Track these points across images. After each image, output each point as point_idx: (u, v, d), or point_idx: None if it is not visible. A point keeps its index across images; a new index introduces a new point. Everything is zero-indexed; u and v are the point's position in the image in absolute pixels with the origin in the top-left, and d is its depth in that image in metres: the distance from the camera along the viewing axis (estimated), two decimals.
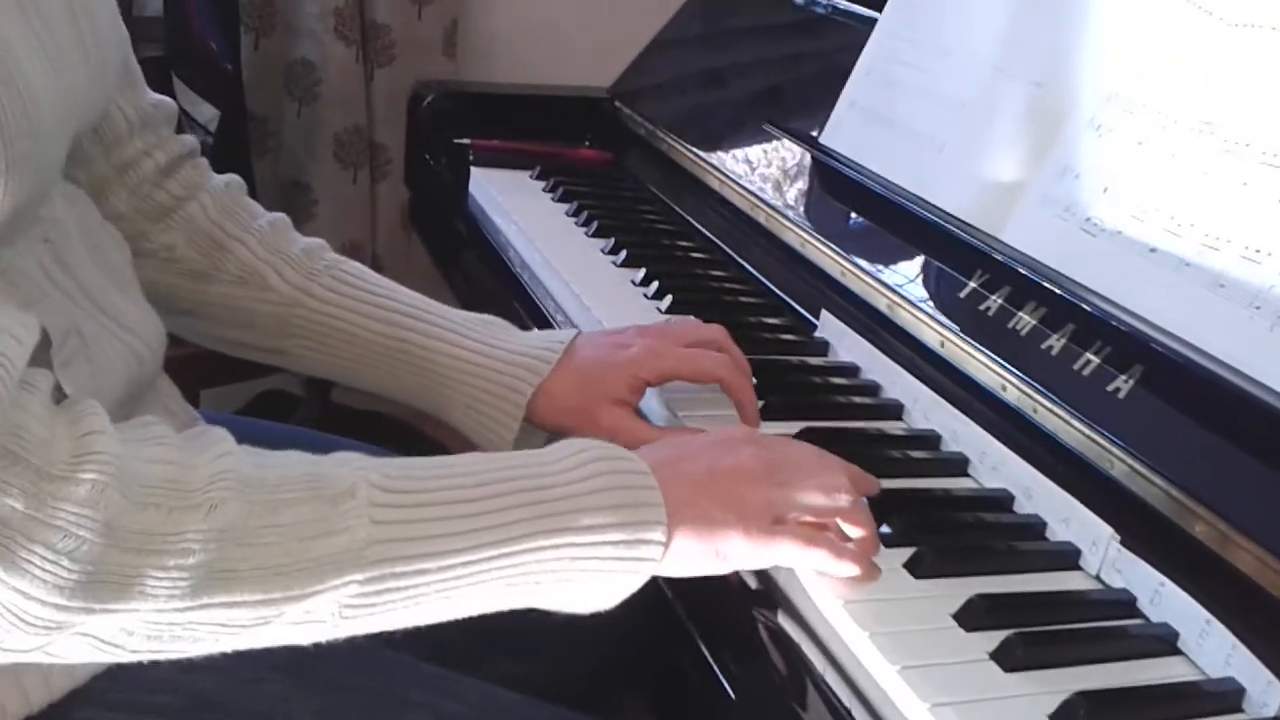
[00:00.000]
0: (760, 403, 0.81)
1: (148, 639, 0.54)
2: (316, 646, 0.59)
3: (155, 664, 0.61)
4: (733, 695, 0.67)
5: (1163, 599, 0.63)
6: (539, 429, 0.80)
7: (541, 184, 1.27)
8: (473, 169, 1.28)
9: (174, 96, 1.69)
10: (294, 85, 1.83)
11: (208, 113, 1.71)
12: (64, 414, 0.54)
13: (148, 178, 0.80)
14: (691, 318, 0.91)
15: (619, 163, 1.35)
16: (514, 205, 1.18)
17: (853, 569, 0.63)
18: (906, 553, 0.66)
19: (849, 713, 0.59)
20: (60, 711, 0.63)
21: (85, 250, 0.67)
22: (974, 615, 0.61)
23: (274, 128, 1.87)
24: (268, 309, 0.81)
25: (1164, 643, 0.62)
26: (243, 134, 1.78)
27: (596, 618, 0.64)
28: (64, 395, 0.58)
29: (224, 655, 0.59)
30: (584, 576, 0.61)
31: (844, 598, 0.62)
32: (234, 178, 0.85)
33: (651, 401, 0.82)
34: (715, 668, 0.68)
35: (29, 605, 0.51)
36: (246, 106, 1.79)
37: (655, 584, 0.64)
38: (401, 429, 1.84)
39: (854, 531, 0.65)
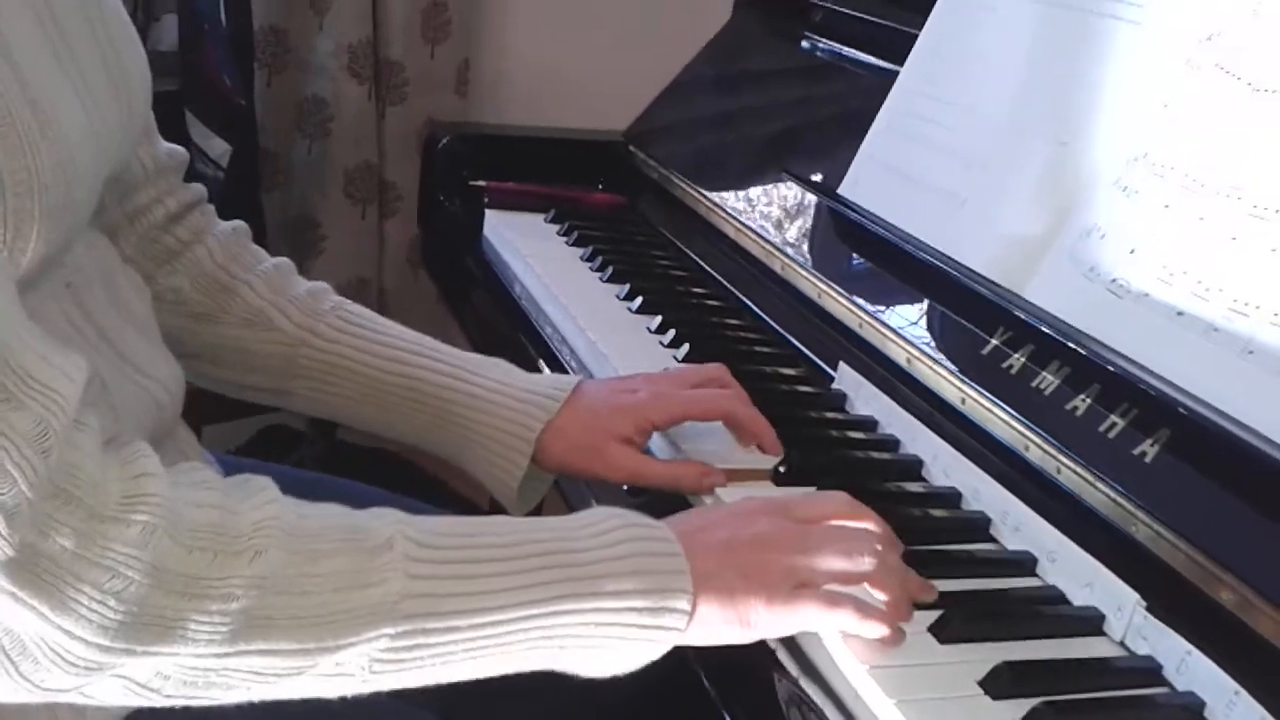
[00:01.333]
0: (778, 459, 0.80)
1: (183, 684, 0.55)
2: (332, 702, 0.59)
3: (168, 713, 0.60)
4: None
5: (1189, 667, 0.62)
6: (543, 471, 0.81)
7: (556, 227, 1.27)
8: (487, 211, 1.28)
9: (186, 131, 1.72)
10: (306, 121, 1.84)
11: (219, 147, 1.71)
12: (115, 455, 0.55)
13: (157, 223, 0.80)
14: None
15: (633, 207, 1.35)
16: (529, 249, 1.18)
17: (878, 629, 0.62)
18: (931, 616, 0.65)
19: None
20: None
21: (105, 295, 0.67)
22: (1001, 683, 0.61)
23: (284, 163, 1.88)
24: (273, 349, 0.82)
25: (1191, 712, 0.61)
26: (254, 169, 1.79)
27: (613, 678, 0.63)
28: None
29: (242, 708, 0.59)
30: (608, 642, 0.61)
31: (870, 662, 0.61)
32: (240, 224, 0.86)
33: (656, 439, 0.82)
34: None
35: (73, 645, 0.52)
36: (258, 142, 1.80)
37: (674, 653, 0.64)
38: (404, 466, 1.83)
39: (880, 595, 0.64)
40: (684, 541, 0.63)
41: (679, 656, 0.68)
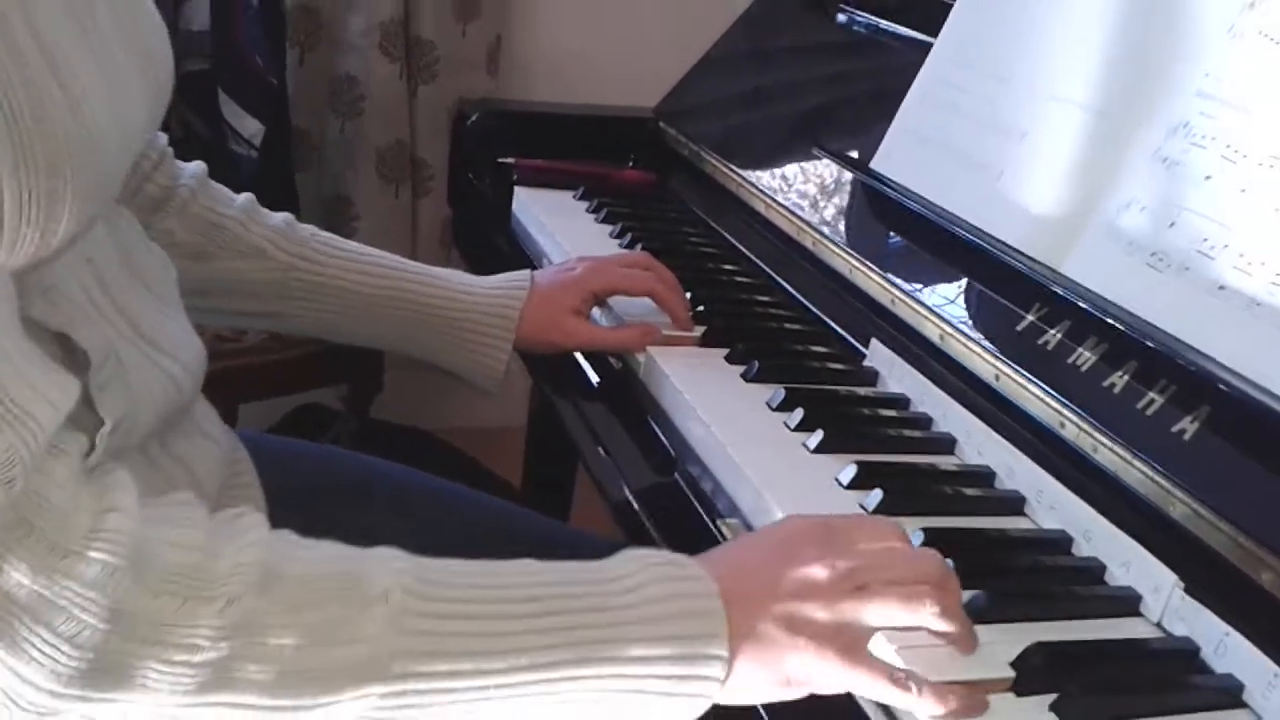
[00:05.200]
0: (817, 434, 0.79)
1: None
2: None
3: None
4: None
5: (1228, 650, 0.61)
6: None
7: (585, 205, 1.26)
8: (516, 188, 1.27)
9: (219, 110, 1.72)
10: (338, 100, 1.84)
11: (252, 126, 1.72)
12: (90, 485, 0.52)
13: (143, 174, 0.85)
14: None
15: (663, 184, 1.34)
16: (558, 226, 1.17)
17: (941, 708, 0.56)
18: (964, 596, 0.64)
19: None
20: None
21: (125, 271, 0.67)
22: (1033, 664, 0.59)
23: (317, 142, 1.88)
24: (267, 277, 0.89)
25: (1229, 695, 0.60)
26: (286, 148, 1.79)
27: None
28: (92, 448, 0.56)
29: None
30: (630, 708, 0.56)
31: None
32: (200, 164, 0.91)
33: (601, 318, 0.99)
34: None
35: (23, 689, 0.49)
36: (291, 120, 1.80)
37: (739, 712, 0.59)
38: (437, 444, 1.84)
39: (947, 640, 0.59)
40: (725, 587, 0.57)
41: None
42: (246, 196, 0.92)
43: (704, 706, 0.58)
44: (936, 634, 0.59)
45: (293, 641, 0.52)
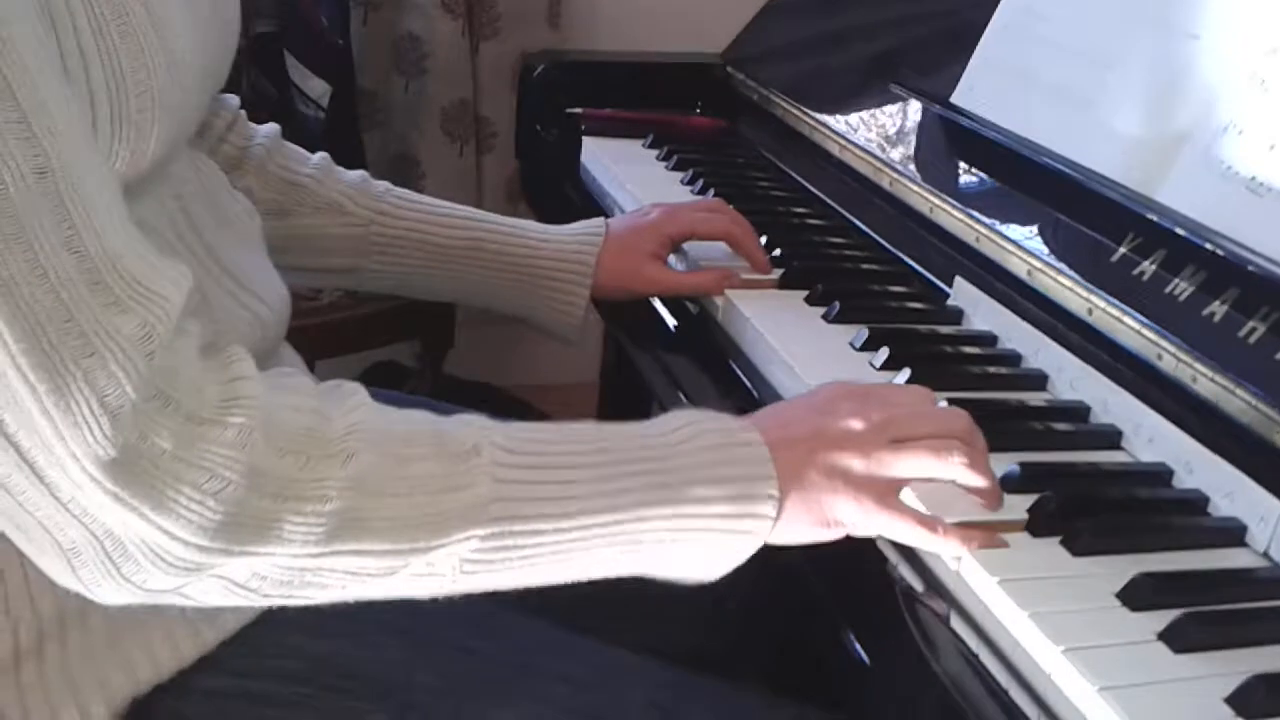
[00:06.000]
0: (903, 372, 0.78)
1: (279, 584, 0.55)
2: (439, 611, 0.60)
3: (279, 630, 0.62)
4: (871, 671, 0.65)
5: None
6: (591, 299, 0.94)
7: (655, 152, 1.25)
8: (584, 139, 1.26)
9: (286, 71, 1.73)
10: (402, 60, 1.85)
11: (319, 87, 1.73)
12: (213, 359, 0.55)
13: (218, 134, 0.87)
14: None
15: (732, 129, 1.32)
16: (628, 174, 1.16)
17: (964, 549, 0.61)
18: (1063, 529, 0.63)
19: (1006, 693, 0.57)
20: (187, 678, 0.64)
21: (211, 213, 0.69)
22: (1140, 594, 0.58)
23: (383, 102, 1.89)
24: (347, 232, 0.91)
25: None
26: (352, 109, 1.80)
27: (717, 592, 0.63)
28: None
29: (348, 621, 0.59)
30: (693, 546, 0.61)
31: (999, 575, 0.59)
32: (274, 125, 0.92)
33: (677, 264, 0.98)
34: (853, 646, 0.66)
35: (172, 545, 0.52)
36: (356, 81, 1.81)
37: (783, 558, 0.63)
38: (510, 401, 1.85)
39: (974, 492, 0.64)
40: (769, 439, 0.62)
41: (788, 570, 0.67)
42: (321, 155, 0.93)
43: (757, 544, 0.62)
44: (965, 487, 0.64)
45: (405, 490, 0.56)
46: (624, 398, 1.54)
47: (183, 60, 0.57)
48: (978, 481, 0.63)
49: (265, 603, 0.57)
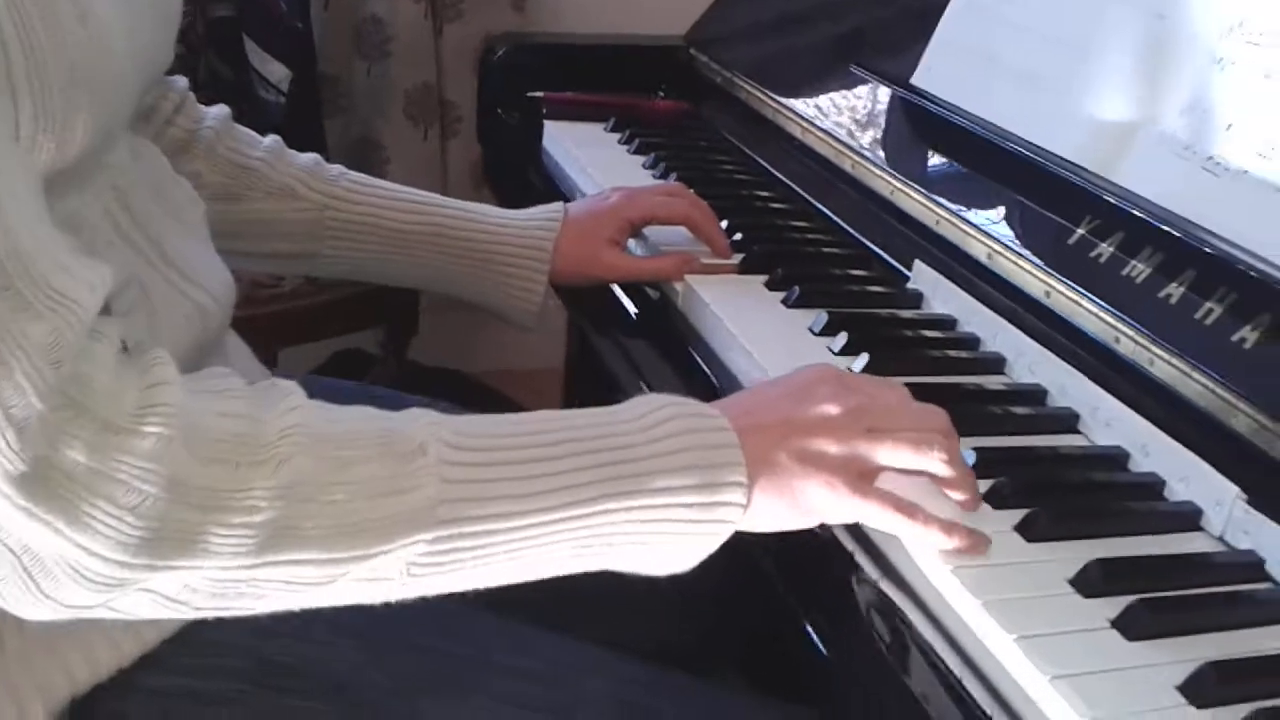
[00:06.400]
0: (862, 357, 0.78)
1: (212, 596, 0.53)
2: (390, 607, 0.58)
3: (225, 628, 0.60)
4: (831, 664, 0.64)
5: None
6: (551, 285, 0.92)
7: (616, 136, 1.24)
8: (546, 122, 1.25)
9: (245, 55, 1.70)
10: (364, 43, 1.82)
11: (279, 72, 1.70)
12: (132, 364, 0.53)
13: (165, 117, 0.85)
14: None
15: (696, 113, 1.31)
16: (589, 158, 1.15)
17: (948, 541, 0.59)
18: (1017, 515, 0.63)
19: (960, 683, 0.56)
20: (129, 677, 0.63)
21: (154, 201, 0.67)
22: (1093, 580, 0.58)
23: (345, 86, 1.87)
24: (300, 217, 0.88)
25: None
26: (314, 93, 1.78)
27: (686, 585, 0.61)
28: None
29: (296, 618, 0.58)
30: (659, 539, 0.59)
31: (953, 563, 0.59)
32: (223, 107, 0.90)
33: (636, 249, 0.97)
34: (813, 638, 0.66)
35: (91, 561, 0.50)
36: (317, 66, 1.78)
37: (746, 549, 0.62)
38: (477, 388, 1.83)
39: (951, 489, 0.62)
40: (737, 424, 0.60)
41: (753, 562, 0.66)
42: (273, 138, 0.91)
43: (727, 534, 0.60)
44: (941, 481, 0.62)
45: (343, 496, 0.53)
46: (590, 384, 1.53)
47: (112, 44, 0.55)
48: (954, 476, 0.61)
49: (199, 614, 0.55)
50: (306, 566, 0.53)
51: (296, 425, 0.54)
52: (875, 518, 0.60)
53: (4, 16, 0.49)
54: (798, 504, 0.60)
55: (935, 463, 0.61)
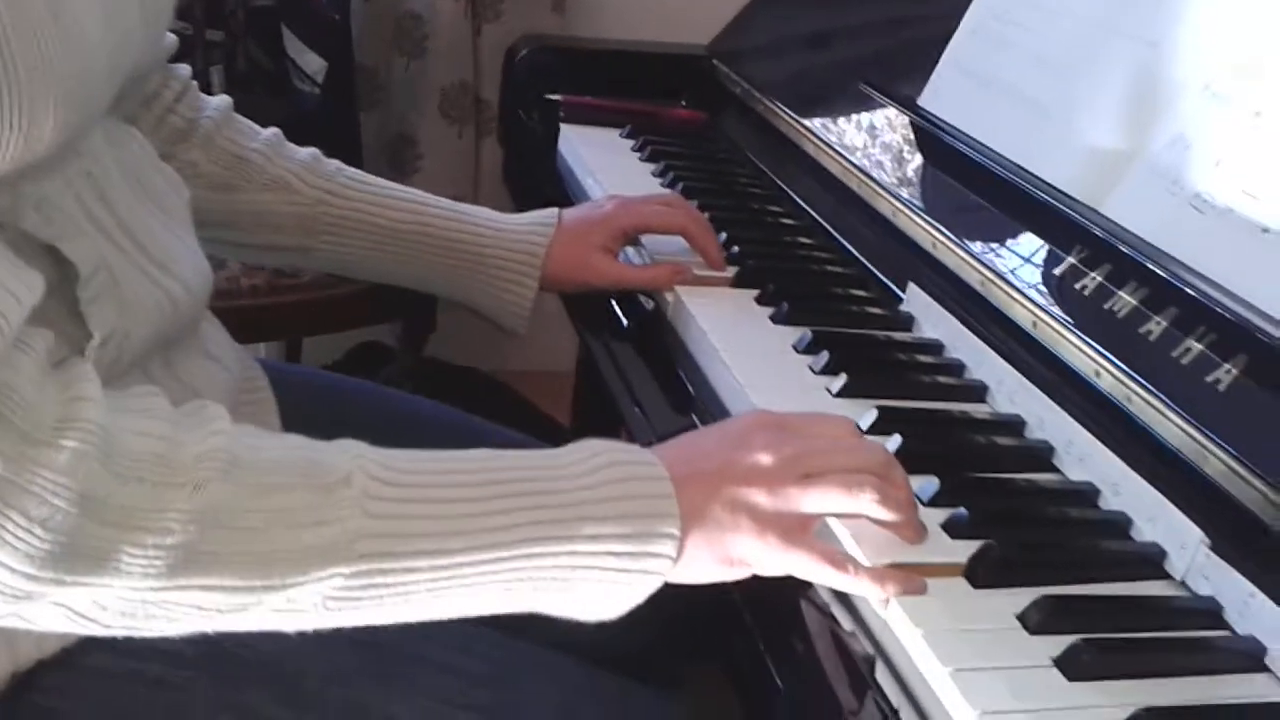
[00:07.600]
0: (840, 378, 0.77)
1: (121, 615, 0.53)
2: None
3: None
4: (779, 682, 0.64)
5: (1252, 611, 0.58)
6: (541, 289, 0.92)
7: (630, 143, 1.24)
8: (562, 125, 1.25)
9: (283, 45, 1.72)
10: (402, 39, 1.84)
11: (315, 63, 1.72)
12: (56, 378, 0.53)
13: (166, 105, 0.86)
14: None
15: (714, 123, 1.31)
16: (599, 163, 1.15)
17: (880, 591, 0.58)
18: (973, 545, 0.62)
19: (896, 713, 0.56)
20: (73, 656, 0.63)
21: (132, 188, 0.67)
22: (1039, 617, 0.57)
23: (381, 81, 1.88)
24: (294, 210, 0.89)
25: (1250, 658, 0.57)
26: (350, 86, 1.79)
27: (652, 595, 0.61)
28: (65, 354, 0.57)
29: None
30: (586, 586, 0.58)
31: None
32: (225, 98, 0.90)
33: (635, 257, 0.97)
34: (764, 652, 0.65)
35: None
36: (354, 57, 1.80)
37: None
38: (490, 384, 1.85)
39: (889, 529, 0.61)
40: (675, 473, 0.59)
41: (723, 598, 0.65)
42: (272, 130, 0.91)
43: (656, 585, 0.59)
44: (880, 522, 0.61)
45: (260, 524, 0.53)
46: (598, 387, 1.53)
47: (85, 42, 0.54)
48: (889, 516, 0.60)
49: (108, 632, 0.54)
50: (218, 593, 0.53)
51: (218, 449, 0.53)
52: (805, 570, 0.59)
53: None
54: (729, 556, 0.60)
55: (868, 504, 0.60)
